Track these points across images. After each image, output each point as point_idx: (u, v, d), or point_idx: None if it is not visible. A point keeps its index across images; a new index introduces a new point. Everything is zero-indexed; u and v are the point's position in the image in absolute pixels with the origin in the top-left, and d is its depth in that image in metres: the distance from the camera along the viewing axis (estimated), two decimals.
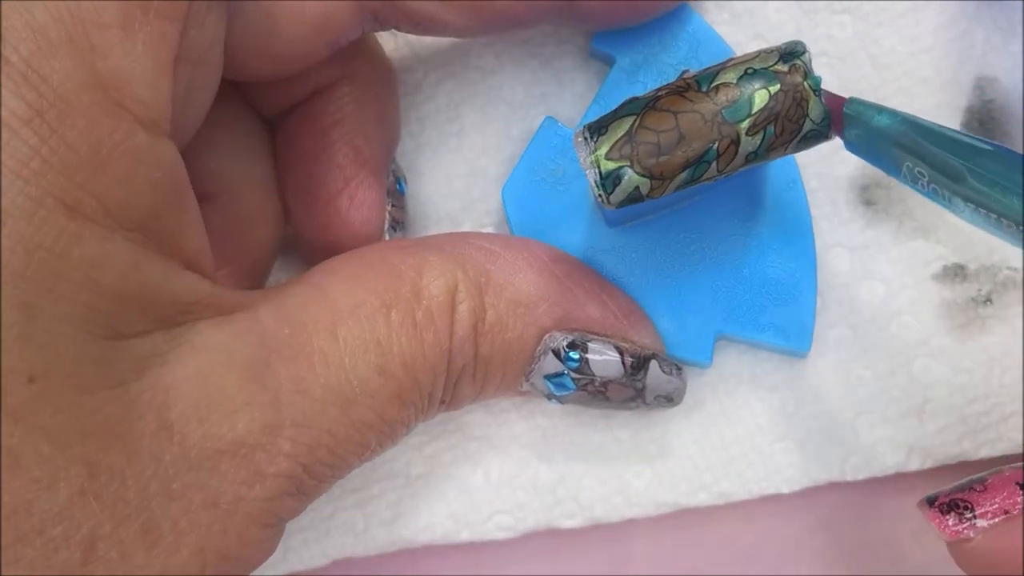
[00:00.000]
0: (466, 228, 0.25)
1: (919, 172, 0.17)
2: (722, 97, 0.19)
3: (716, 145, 0.19)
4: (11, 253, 0.15)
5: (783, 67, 0.19)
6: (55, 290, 0.15)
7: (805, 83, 0.19)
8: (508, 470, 0.24)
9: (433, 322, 0.19)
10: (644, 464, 0.24)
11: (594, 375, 0.21)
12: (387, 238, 0.23)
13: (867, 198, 0.25)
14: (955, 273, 0.24)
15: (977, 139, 0.17)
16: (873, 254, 0.24)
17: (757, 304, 0.23)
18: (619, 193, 0.19)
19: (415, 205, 0.25)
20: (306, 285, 0.19)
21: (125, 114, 0.16)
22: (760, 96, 0.19)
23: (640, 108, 0.19)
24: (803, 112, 0.19)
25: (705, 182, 0.19)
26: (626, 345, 0.22)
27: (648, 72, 0.23)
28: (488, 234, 0.23)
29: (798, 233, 0.23)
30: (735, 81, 0.19)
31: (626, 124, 0.19)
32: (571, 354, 0.21)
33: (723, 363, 0.24)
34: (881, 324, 0.24)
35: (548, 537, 0.24)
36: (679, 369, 0.22)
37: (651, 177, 0.19)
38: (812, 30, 0.25)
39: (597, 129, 0.19)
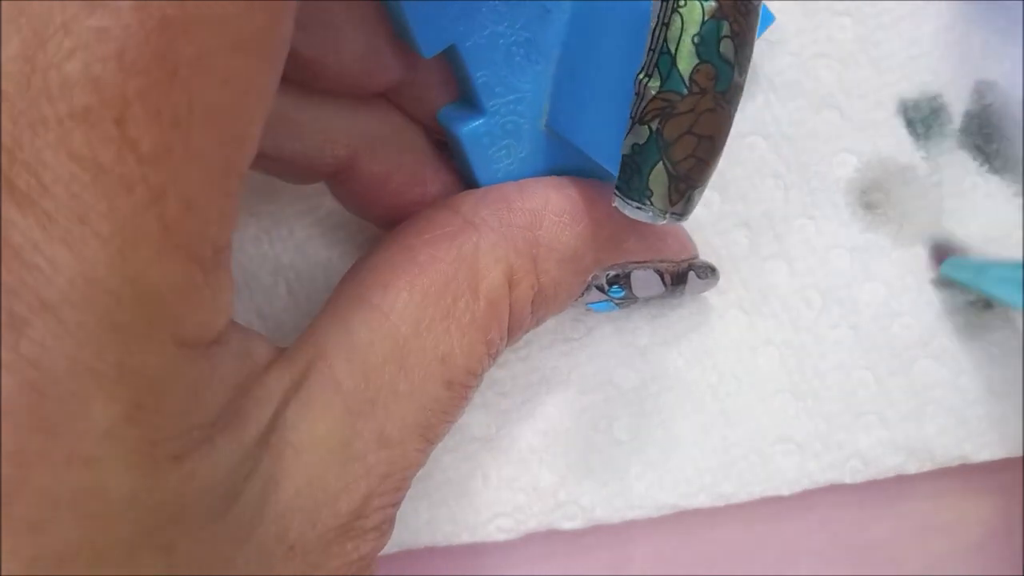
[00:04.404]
0: None
1: None
2: (701, 79, 0.16)
3: (730, 114, 0.17)
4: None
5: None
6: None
7: None
8: (508, 472, 0.24)
9: (496, 315, 0.19)
10: (645, 466, 0.24)
11: (637, 298, 0.22)
12: None
13: (867, 201, 0.25)
14: None
15: None
16: (874, 255, 0.24)
17: None
18: (692, 205, 0.18)
19: None
20: (366, 308, 0.18)
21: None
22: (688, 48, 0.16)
23: (657, 149, 0.17)
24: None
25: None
26: (665, 265, 0.22)
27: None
28: (526, 187, 0.21)
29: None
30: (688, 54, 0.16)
31: (661, 170, 0.17)
32: (614, 288, 0.21)
33: (723, 363, 0.24)
34: (882, 325, 0.24)
35: (549, 539, 0.24)
36: (713, 270, 0.23)
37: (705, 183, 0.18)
38: (812, 31, 0.25)
39: (640, 192, 0.17)
